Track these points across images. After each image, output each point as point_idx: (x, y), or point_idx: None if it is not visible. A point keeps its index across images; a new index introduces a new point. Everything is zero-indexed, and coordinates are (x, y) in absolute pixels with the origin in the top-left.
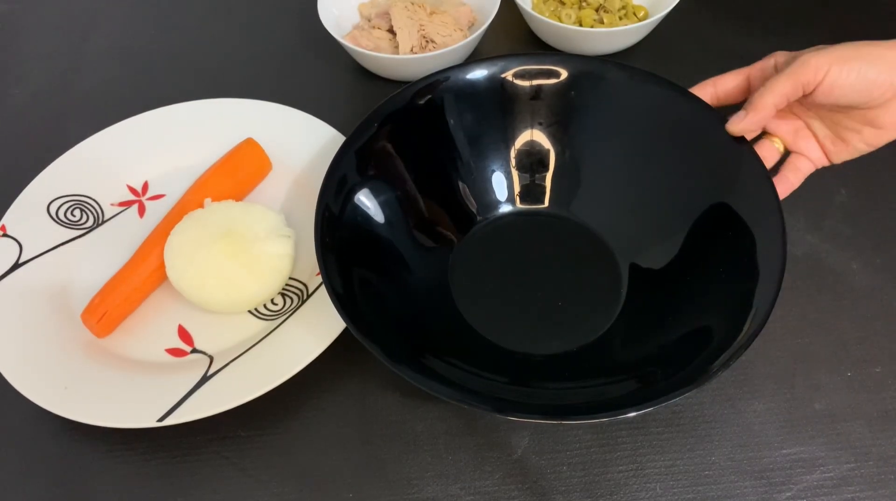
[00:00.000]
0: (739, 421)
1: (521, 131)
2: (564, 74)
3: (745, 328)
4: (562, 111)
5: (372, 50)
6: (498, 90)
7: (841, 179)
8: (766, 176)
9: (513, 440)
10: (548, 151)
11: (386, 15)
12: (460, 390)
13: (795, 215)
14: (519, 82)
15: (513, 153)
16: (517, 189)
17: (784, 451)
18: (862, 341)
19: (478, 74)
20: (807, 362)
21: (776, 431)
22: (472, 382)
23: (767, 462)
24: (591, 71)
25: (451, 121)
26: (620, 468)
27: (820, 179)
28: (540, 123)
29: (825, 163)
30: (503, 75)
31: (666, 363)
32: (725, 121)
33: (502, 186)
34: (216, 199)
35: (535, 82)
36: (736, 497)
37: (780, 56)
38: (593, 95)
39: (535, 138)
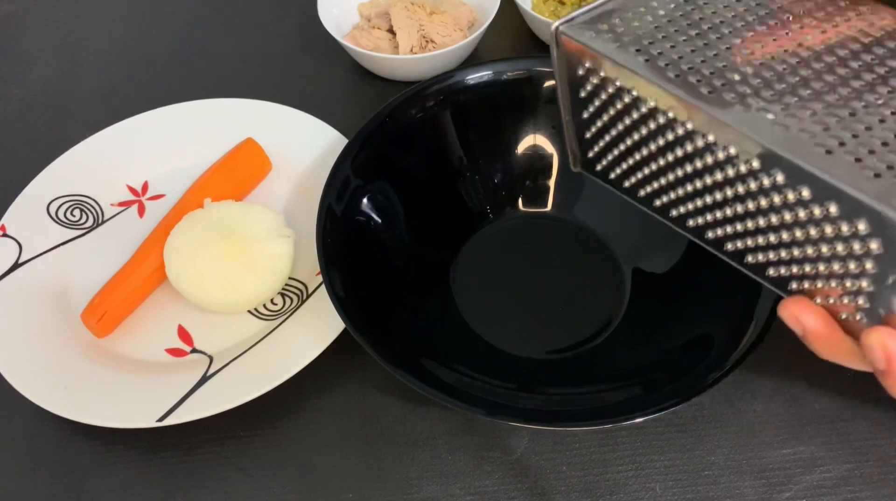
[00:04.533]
0: (739, 421)
1: (525, 134)
2: None
3: (748, 335)
4: None
5: (372, 50)
6: (504, 93)
7: None
8: None
9: (513, 440)
10: (551, 154)
11: (386, 15)
12: (456, 393)
13: None
14: (526, 85)
15: (516, 156)
16: (520, 192)
17: (784, 451)
18: None
19: (484, 76)
20: (807, 362)
21: (776, 431)
22: (471, 385)
23: (767, 461)
24: None
25: (456, 123)
26: (620, 468)
27: None
28: (553, 126)
29: None
30: (511, 77)
31: (668, 369)
32: None
33: (505, 189)
34: (216, 199)
35: (545, 85)
36: (736, 497)
37: None
38: None
39: (538, 142)
